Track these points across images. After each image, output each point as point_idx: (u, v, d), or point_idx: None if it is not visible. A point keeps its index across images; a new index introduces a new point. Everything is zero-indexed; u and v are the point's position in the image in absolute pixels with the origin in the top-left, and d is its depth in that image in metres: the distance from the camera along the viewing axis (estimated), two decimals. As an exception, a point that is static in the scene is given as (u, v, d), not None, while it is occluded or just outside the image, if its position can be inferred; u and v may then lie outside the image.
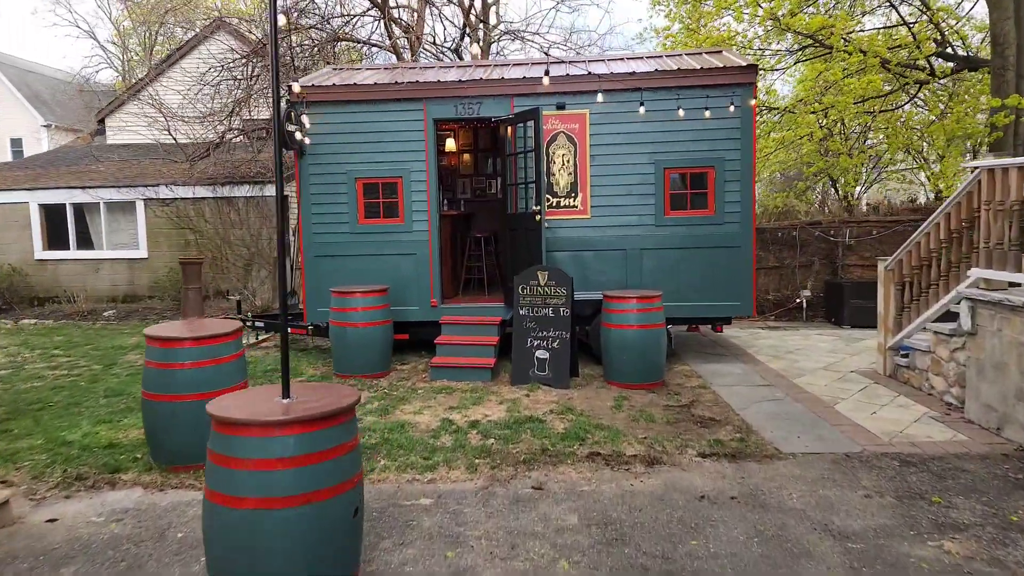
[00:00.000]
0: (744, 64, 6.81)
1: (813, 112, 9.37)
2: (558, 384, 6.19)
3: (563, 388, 6.15)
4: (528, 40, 11.29)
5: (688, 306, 6.96)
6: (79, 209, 12.10)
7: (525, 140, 6.76)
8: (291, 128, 6.73)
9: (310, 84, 7.07)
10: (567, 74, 6.93)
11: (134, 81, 14.22)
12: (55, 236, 12.14)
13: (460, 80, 7.01)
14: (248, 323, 8.37)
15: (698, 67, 6.78)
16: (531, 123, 6.66)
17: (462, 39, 11.04)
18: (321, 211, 7.26)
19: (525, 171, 6.80)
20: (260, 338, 8.83)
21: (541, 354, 6.34)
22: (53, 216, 12.11)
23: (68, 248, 12.05)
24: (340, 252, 7.27)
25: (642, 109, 6.19)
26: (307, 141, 6.97)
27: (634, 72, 6.83)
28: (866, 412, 5.31)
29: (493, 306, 7.25)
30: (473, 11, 10.97)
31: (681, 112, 6.79)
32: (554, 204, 7.02)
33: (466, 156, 9.57)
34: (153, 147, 13.43)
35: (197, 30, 14.57)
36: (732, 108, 6.47)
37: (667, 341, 6.50)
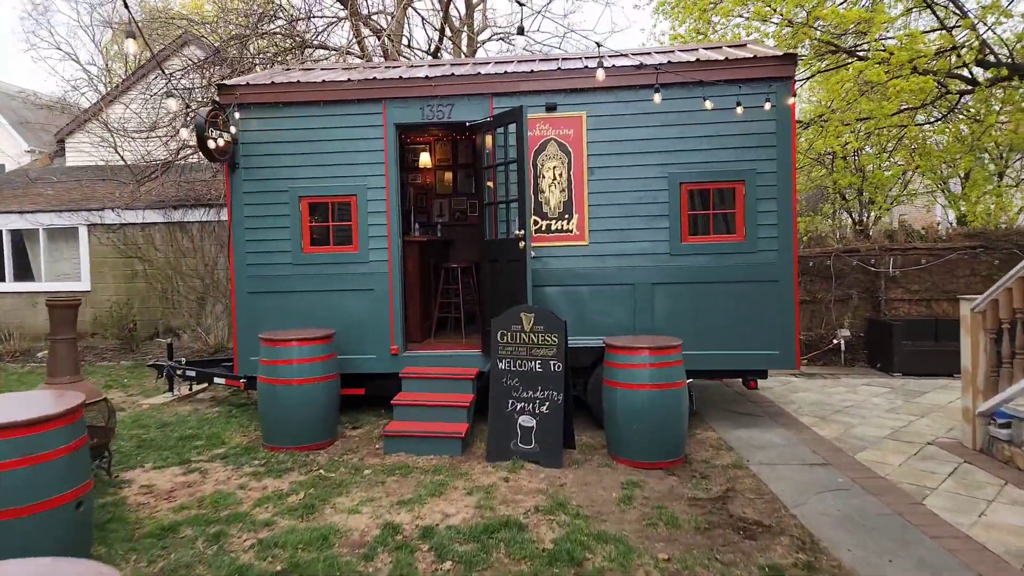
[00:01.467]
0: (779, 53, 5.48)
1: (847, 123, 8.06)
2: (547, 462, 4.73)
3: (554, 467, 4.68)
4: (516, 43, 10.08)
5: (712, 356, 5.52)
6: (17, 236, 10.78)
7: (506, 149, 5.41)
8: (214, 137, 5.40)
9: (243, 83, 5.76)
10: (559, 68, 5.61)
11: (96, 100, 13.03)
12: (-11, 266, 10.79)
13: (427, 77, 5.69)
14: (179, 371, 6.96)
15: (722, 58, 5.45)
16: (512, 126, 5.31)
17: (440, 42, 9.80)
18: (257, 237, 5.88)
19: (507, 187, 5.43)
20: (193, 389, 7.39)
21: (526, 421, 4.88)
22: (-13, 244, 10.78)
23: (3, 280, 10.69)
24: (280, 287, 5.88)
25: (656, 99, 4.81)
26: (222, 142, 5.61)
27: (642, 65, 5.50)
28: (971, 514, 3.83)
29: (468, 354, 5.82)
30: (454, 12, 9.77)
31: (702, 114, 5.46)
32: (543, 228, 5.64)
33: (444, 174, 8.23)
34: (114, 169, 12.18)
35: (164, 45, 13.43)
36: (769, 106, 5.12)
37: (688, 402, 5.06)
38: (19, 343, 10.30)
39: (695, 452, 5.01)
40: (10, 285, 10.66)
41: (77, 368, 4.46)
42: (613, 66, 5.52)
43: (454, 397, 5.38)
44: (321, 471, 4.69)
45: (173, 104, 5.15)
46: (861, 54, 8.33)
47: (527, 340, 4.95)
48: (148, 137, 9.80)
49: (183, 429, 5.82)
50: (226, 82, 5.75)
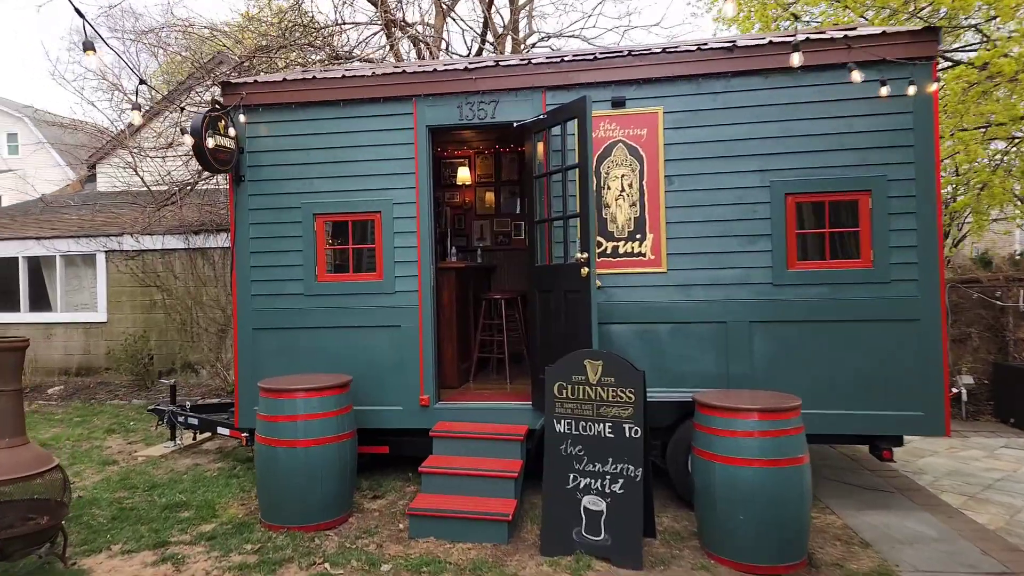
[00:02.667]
0: (917, 28, 4.33)
1: (964, 128, 6.79)
2: (623, 560, 3.56)
3: (632, 567, 3.52)
4: (568, 41, 9.11)
5: (831, 417, 4.28)
6: (34, 264, 10.24)
7: (564, 153, 4.37)
8: (217, 141, 4.53)
9: (250, 81, 4.90)
10: (628, 52, 4.57)
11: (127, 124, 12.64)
12: (5, 296, 10.26)
13: (467, 68, 4.73)
14: (180, 418, 6.05)
15: (839, 35, 4.32)
16: (573, 123, 4.28)
17: (482, 47, 8.89)
18: (264, 262, 4.96)
19: (564, 200, 4.37)
20: (198, 437, 6.47)
21: (592, 503, 3.73)
22: (4, 272, 10.27)
23: (18, 310, 10.13)
24: (289, 323, 4.91)
25: (759, 92, 3.71)
26: (224, 149, 4.72)
27: (735, 45, 4.43)
28: None
29: (515, 407, 4.72)
30: (497, 19, 8.89)
31: (813, 106, 4.34)
32: (608, 251, 4.54)
33: (486, 192, 7.26)
34: (142, 193, 11.67)
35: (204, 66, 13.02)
36: (912, 90, 3.95)
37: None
38: (30, 378, 9.67)
39: (819, 549, 3.76)
40: (25, 316, 10.09)
41: (21, 426, 3.54)
42: (697, 48, 4.45)
43: (498, 464, 4.27)
44: (327, 566, 3.61)
45: (189, 140, 4.29)
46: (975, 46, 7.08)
47: (593, 395, 3.83)
48: (165, 156, 9.16)
49: (173, 493, 4.85)
50: (231, 80, 4.91)
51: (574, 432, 3.86)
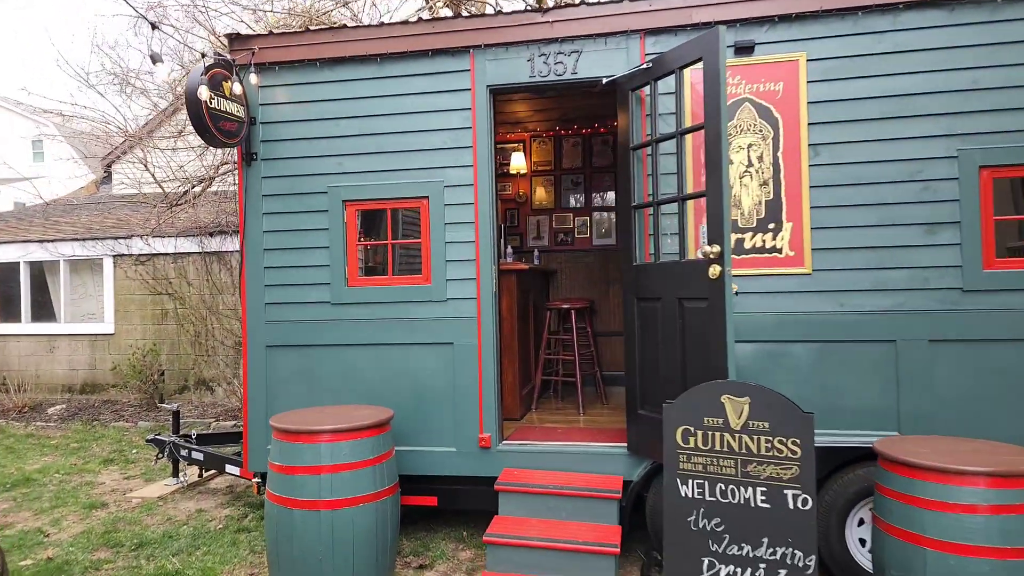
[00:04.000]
0: None
1: None
2: None
3: None
4: None
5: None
6: (37, 270, 9.49)
7: (680, 111, 3.28)
8: (222, 105, 3.56)
9: (264, 33, 3.94)
10: (759, -19, 3.50)
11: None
12: (6, 305, 9.52)
13: (540, 8, 3.70)
14: (184, 451, 5.10)
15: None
16: (691, 70, 3.22)
17: None
18: (281, 263, 3.98)
19: (680, 177, 3.28)
20: (207, 473, 5.51)
21: (741, 604, 2.63)
22: (5, 278, 9.53)
23: (19, 320, 9.37)
24: (312, 339, 3.92)
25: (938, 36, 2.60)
26: (236, 110, 3.74)
27: (910, -34, 3.33)
28: None
29: (602, 449, 3.64)
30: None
31: (1016, 48, 3.22)
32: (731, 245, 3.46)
33: (543, 183, 6.22)
34: (154, 193, 10.91)
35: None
36: None
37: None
38: (32, 395, 8.89)
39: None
40: (26, 326, 9.32)
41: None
42: (857, -27, 3.36)
43: (589, 532, 3.19)
44: None
45: (163, 72, 3.33)
46: None
47: (737, 447, 2.73)
48: (176, 147, 8.31)
49: (165, 555, 3.87)
50: (240, 32, 3.95)
51: (708, 498, 2.76)
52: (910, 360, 3.31)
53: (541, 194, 6.18)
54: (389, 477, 3.25)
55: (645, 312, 3.44)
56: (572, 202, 6.11)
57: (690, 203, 3.46)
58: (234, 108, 3.70)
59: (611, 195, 6.04)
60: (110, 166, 13.43)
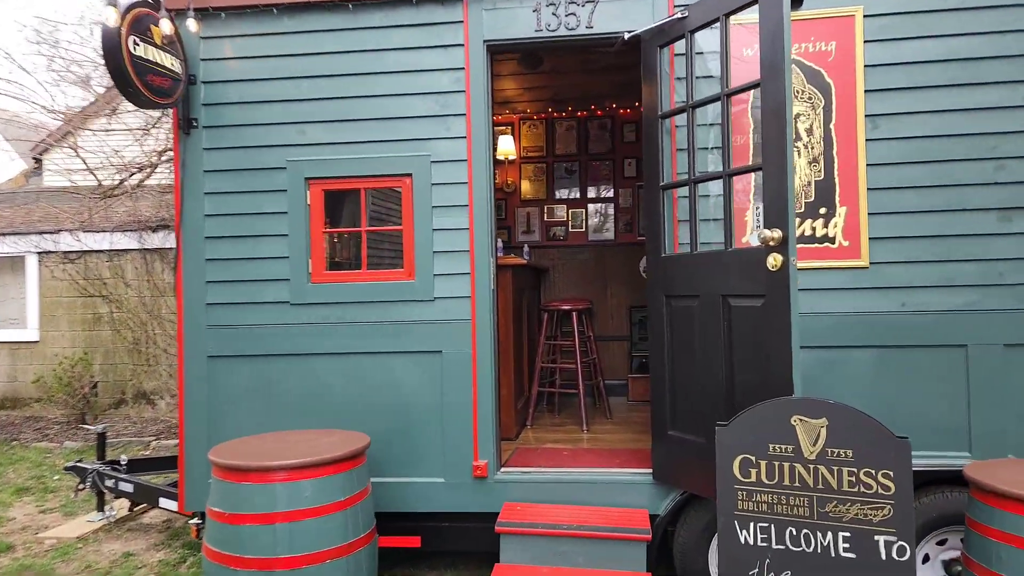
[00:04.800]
0: None
1: None
2: None
3: None
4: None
5: None
6: (-49, 269, 8.49)
7: (725, 69, 2.75)
8: (150, 55, 2.90)
9: (210, -28, 3.29)
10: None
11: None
12: (-85, 308, 8.48)
13: (548, -50, 3.15)
14: (110, 481, 4.35)
15: None
16: (737, 18, 2.70)
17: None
18: (227, 254, 3.31)
19: (726, 150, 2.75)
20: (139, 506, 4.76)
21: None
22: (-86, 279, 8.50)
23: (-71, 326, 8.36)
24: (267, 348, 3.26)
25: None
26: (171, 63, 3.07)
27: (989, -97, 2.88)
28: None
29: (621, 477, 3.08)
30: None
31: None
32: (750, 240, 2.96)
33: (534, 172, 5.65)
34: (88, 184, 9.96)
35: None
36: None
37: None
38: (-60, 412, 7.90)
39: None
40: (-63, 333, 8.32)
41: None
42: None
43: (615, 584, 2.64)
44: None
45: (112, 15, 2.65)
46: None
47: (811, 480, 2.20)
48: (110, 127, 7.48)
49: (80, 616, 3.16)
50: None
51: (776, 546, 2.22)
52: (982, 369, 2.85)
53: (531, 183, 5.62)
54: (364, 522, 2.63)
55: (677, 313, 2.90)
56: (565, 193, 5.57)
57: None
58: (167, 60, 3.03)
59: (608, 185, 5.53)
60: (38, 158, 12.36)
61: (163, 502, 4.01)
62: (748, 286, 2.54)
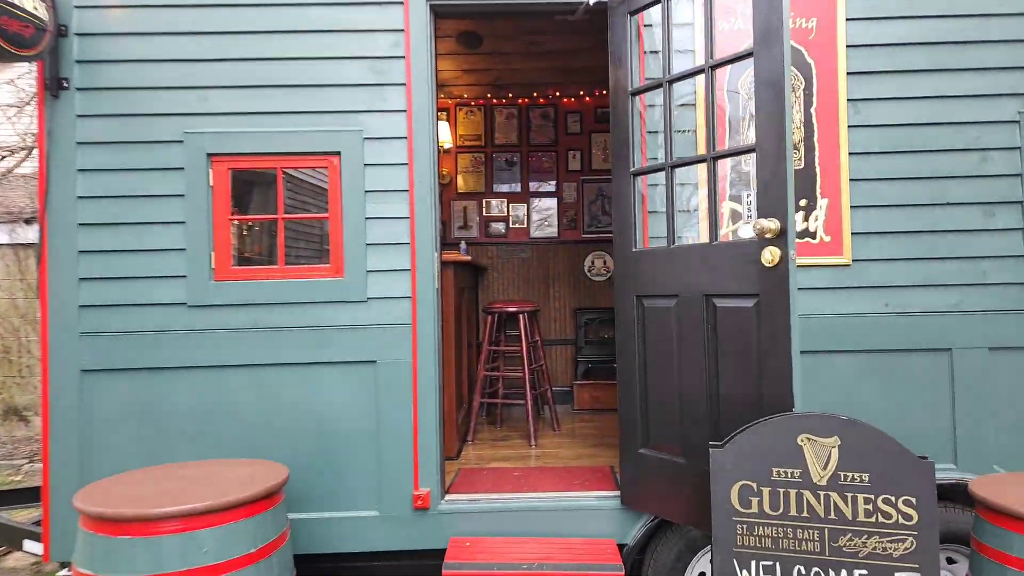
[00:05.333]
0: None
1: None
2: None
3: None
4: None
5: None
6: None
7: (711, 40, 2.42)
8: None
9: None
10: None
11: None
12: None
13: None
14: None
15: None
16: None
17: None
18: (104, 245, 2.69)
19: (711, 129, 2.45)
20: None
21: None
22: None
23: None
24: (158, 360, 2.67)
25: None
26: (33, 5, 2.45)
27: None
28: None
29: (584, 502, 2.72)
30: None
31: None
32: (737, 232, 2.69)
33: (472, 164, 5.23)
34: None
35: None
36: None
37: None
38: None
39: None
40: None
41: None
42: None
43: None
44: None
45: None
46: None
47: (822, 510, 1.91)
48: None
49: None
50: None
51: (783, 588, 1.91)
52: (966, 373, 2.69)
53: (468, 175, 5.20)
54: (281, 574, 2.13)
55: (651, 315, 2.56)
56: (506, 186, 5.18)
57: (702, 172, 2.66)
58: (27, 2, 2.41)
59: (552, 178, 5.18)
60: None
61: (28, 545, 3.29)
62: (738, 285, 2.23)
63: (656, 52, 2.69)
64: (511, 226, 5.15)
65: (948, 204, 2.71)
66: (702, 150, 2.69)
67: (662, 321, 2.51)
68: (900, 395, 2.70)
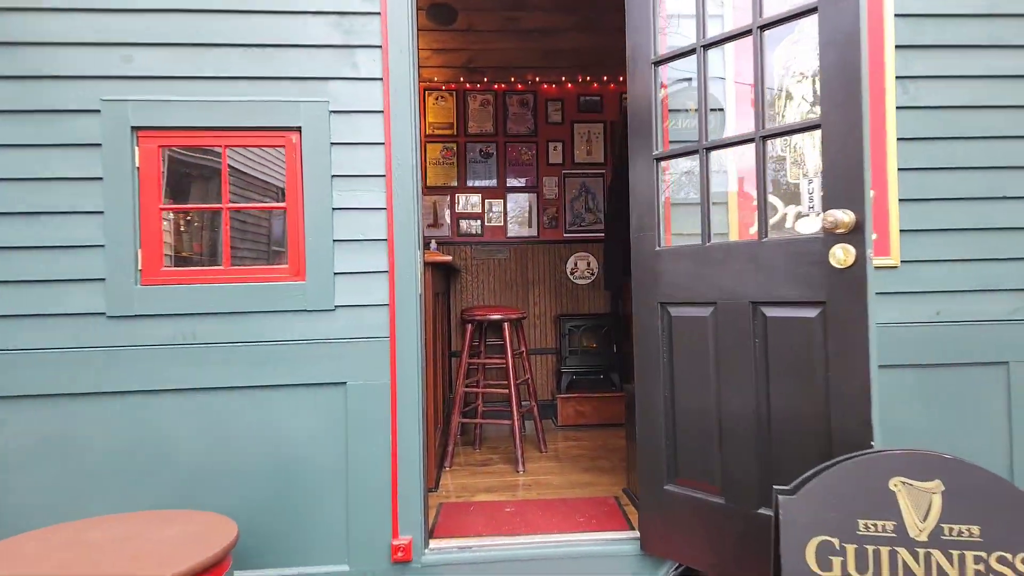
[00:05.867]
0: None
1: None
2: None
3: None
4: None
5: None
6: None
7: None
8: None
9: None
10: None
11: None
12: None
13: None
14: None
15: None
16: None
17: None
18: (5, 240, 2.16)
19: (760, 106, 2.08)
20: None
21: None
22: None
23: None
24: (69, 384, 2.13)
25: None
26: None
27: None
28: None
29: (596, 547, 2.30)
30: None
31: None
32: (786, 223, 2.32)
33: (439, 158, 4.77)
34: None
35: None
36: None
37: None
38: None
39: None
40: None
41: None
42: None
43: None
44: None
45: None
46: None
47: (921, 570, 1.54)
48: None
49: None
50: None
51: (875, 673, 1.53)
52: (1025, 390, 2.40)
53: (439, 167, 4.72)
54: (229, 671, 1.64)
55: (680, 326, 2.16)
56: (480, 180, 4.73)
57: (731, 158, 2.29)
58: None
59: (531, 172, 4.76)
60: None
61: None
62: (796, 290, 1.86)
63: (675, 16, 2.31)
64: (486, 224, 4.70)
65: (1006, 198, 2.41)
66: (731, 131, 2.32)
67: (695, 334, 2.11)
68: (946, 414, 2.38)
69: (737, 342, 2.00)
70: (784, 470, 1.89)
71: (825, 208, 1.78)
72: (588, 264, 4.74)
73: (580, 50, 4.44)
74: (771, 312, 1.93)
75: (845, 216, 1.72)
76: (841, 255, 1.74)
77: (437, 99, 4.74)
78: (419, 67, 4.63)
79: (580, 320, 4.58)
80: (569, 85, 4.79)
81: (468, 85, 4.73)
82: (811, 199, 2.19)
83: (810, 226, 2.17)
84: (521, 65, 4.62)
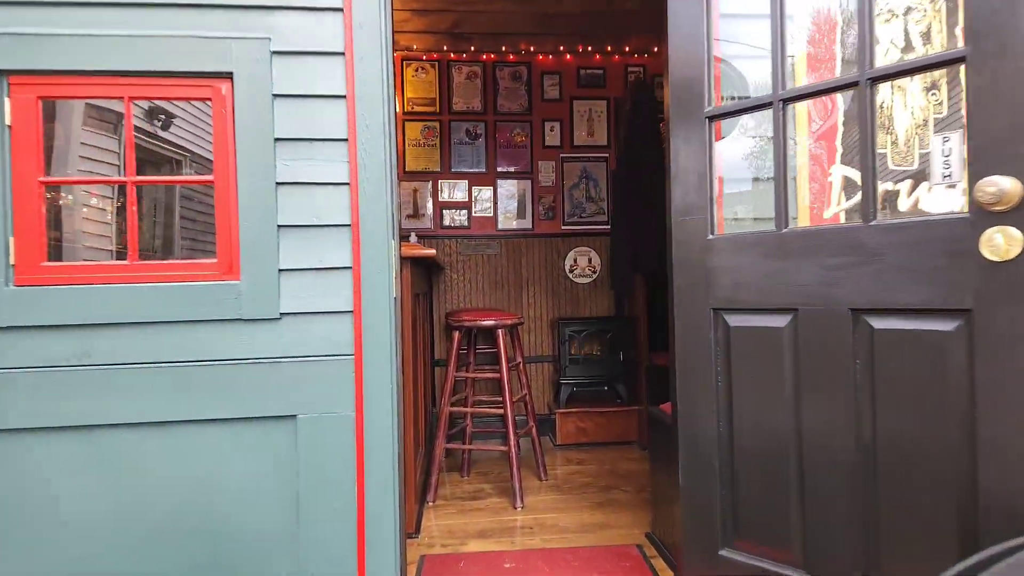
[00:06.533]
0: None
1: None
2: None
3: None
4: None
5: None
6: None
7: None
8: None
9: None
10: None
11: None
12: None
13: None
14: None
15: None
16: None
17: None
18: None
19: (866, 42, 1.57)
20: None
21: None
22: None
23: None
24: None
25: None
26: None
27: None
28: None
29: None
30: None
31: None
32: (869, 205, 1.83)
33: (419, 140, 4.20)
34: None
35: None
36: None
37: None
38: None
39: None
40: None
41: None
42: None
43: None
44: None
45: None
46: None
47: None
48: None
49: None
50: None
51: None
52: None
53: (420, 149, 4.16)
54: None
55: (741, 339, 1.64)
56: (467, 164, 4.17)
57: (795, 125, 1.78)
58: None
59: (525, 156, 4.23)
60: None
61: None
62: (924, 293, 1.34)
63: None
64: (474, 215, 4.14)
65: None
66: (802, 81, 1.81)
67: (765, 351, 1.59)
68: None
69: (828, 363, 1.48)
70: (897, 539, 1.38)
71: (973, 177, 1.27)
72: (589, 260, 4.22)
73: (580, 14, 3.91)
74: (881, 323, 1.41)
75: (1011, 184, 1.20)
76: (1001, 242, 1.22)
77: (417, 71, 4.17)
78: (396, 33, 4.08)
79: (581, 324, 4.05)
80: (568, 56, 4.25)
81: (453, 55, 4.17)
82: (946, 165, 1.67)
83: (941, 203, 1.66)
84: (514, 32, 4.07)
